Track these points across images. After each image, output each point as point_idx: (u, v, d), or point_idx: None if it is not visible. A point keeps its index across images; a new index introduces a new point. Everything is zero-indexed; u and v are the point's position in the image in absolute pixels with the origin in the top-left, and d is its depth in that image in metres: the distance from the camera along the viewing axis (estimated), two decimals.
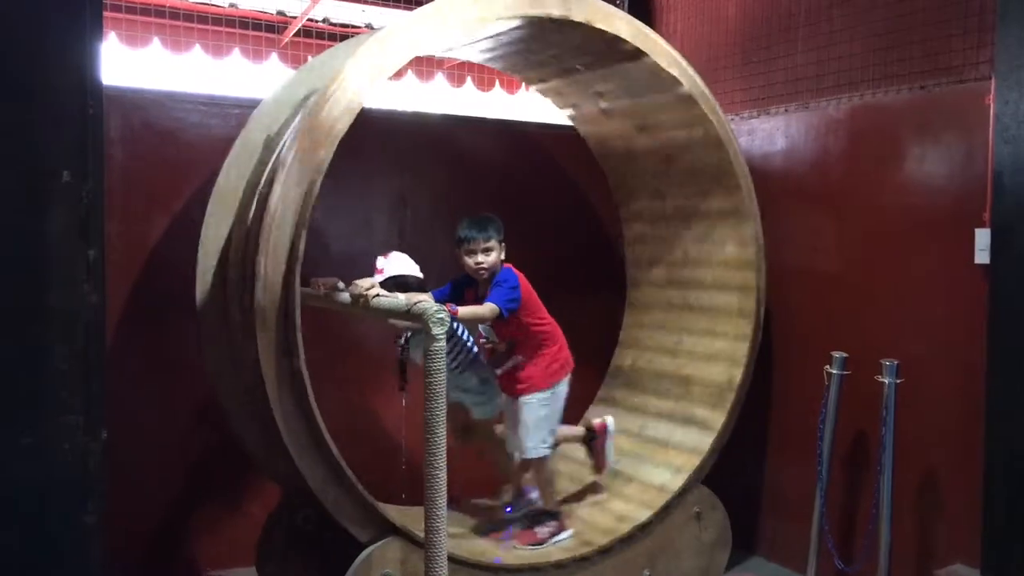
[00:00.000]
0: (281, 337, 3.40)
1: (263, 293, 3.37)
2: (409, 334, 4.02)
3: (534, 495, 4.46)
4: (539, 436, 4.15)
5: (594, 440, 4.51)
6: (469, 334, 4.20)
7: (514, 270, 4.08)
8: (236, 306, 3.72)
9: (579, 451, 4.63)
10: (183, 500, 4.49)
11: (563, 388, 4.23)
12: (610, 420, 4.55)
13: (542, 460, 4.23)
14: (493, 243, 4.01)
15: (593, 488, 4.67)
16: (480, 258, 4.00)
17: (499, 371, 4.19)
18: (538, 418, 4.14)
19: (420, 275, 4.06)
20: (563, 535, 4.27)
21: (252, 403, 3.71)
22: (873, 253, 4.44)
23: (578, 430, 4.54)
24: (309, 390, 3.42)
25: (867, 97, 4.51)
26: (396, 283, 3.94)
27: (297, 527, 4.12)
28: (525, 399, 4.13)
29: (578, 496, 4.65)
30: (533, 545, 4.19)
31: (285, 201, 3.41)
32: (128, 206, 4.25)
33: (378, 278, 3.94)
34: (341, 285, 3.66)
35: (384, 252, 4.08)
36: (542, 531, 4.25)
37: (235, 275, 3.77)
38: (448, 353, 4.01)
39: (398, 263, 4.04)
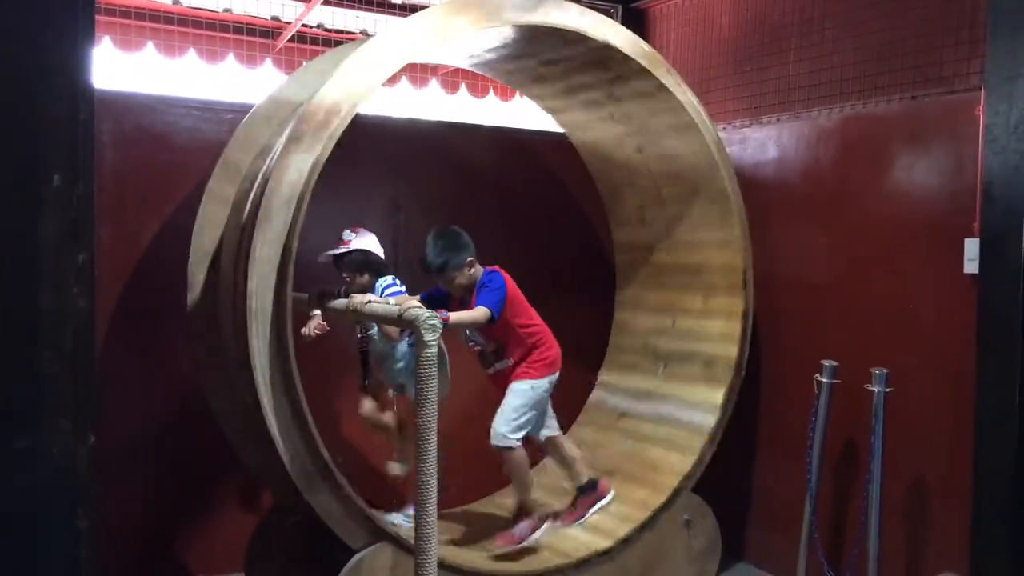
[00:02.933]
0: (273, 343, 3.39)
1: (254, 298, 3.36)
2: (374, 328, 4.06)
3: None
4: (509, 425, 4.04)
5: (589, 492, 4.34)
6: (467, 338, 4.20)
7: (499, 271, 4.06)
8: (227, 311, 3.72)
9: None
10: (173, 504, 4.47)
11: (545, 384, 4.15)
12: (612, 491, 4.40)
13: (511, 453, 4.08)
14: (451, 274, 3.97)
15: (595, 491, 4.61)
16: (445, 285, 4.03)
17: (490, 371, 4.18)
18: (516, 405, 4.07)
19: (383, 258, 4.09)
20: (540, 531, 4.19)
21: (243, 408, 3.70)
22: (863, 262, 4.45)
23: (581, 463, 4.37)
24: (301, 395, 3.42)
25: (858, 107, 4.52)
26: (357, 261, 4.00)
27: (287, 532, 4.11)
28: (510, 387, 4.11)
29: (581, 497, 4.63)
30: (512, 546, 4.15)
31: (277, 206, 3.40)
32: (120, 210, 4.24)
33: (341, 249, 4.00)
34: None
35: (353, 226, 4.08)
36: (519, 530, 4.18)
37: (226, 280, 3.76)
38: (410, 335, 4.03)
39: (364, 240, 4.06)
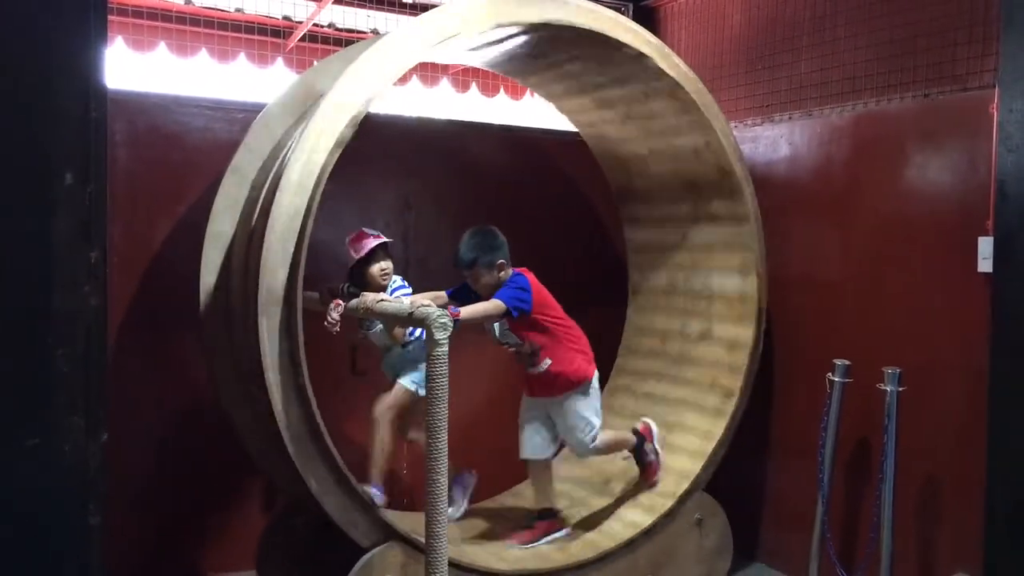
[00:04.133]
0: (283, 341, 3.40)
1: (266, 297, 3.37)
2: (376, 327, 4.08)
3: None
4: (589, 434, 4.19)
5: (644, 444, 4.49)
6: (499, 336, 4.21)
7: (525, 274, 4.08)
8: (239, 310, 3.73)
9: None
10: (184, 502, 4.49)
11: (594, 379, 4.25)
12: (652, 423, 4.59)
13: (546, 460, 4.27)
14: (479, 271, 4.00)
15: (595, 494, 4.66)
16: (472, 283, 4.06)
17: (531, 371, 4.18)
18: (582, 415, 4.19)
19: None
20: (559, 533, 4.29)
21: (254, 407, 3.71)
22: (876, 261, 4.43)
23: (628, 436, 4.48)
24: (311, 394, 3.42)
25: (871, 105, 4.50)
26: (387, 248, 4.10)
27: (298, 531, 4.12)
28: (566, 401, 4.18)
29: (580, 502, 4.64)
30: (527, 544, 4.21)
31: (289, 205, 3.41)
32: (132, 209, 4.25)
33: (384, 239, 4.07)
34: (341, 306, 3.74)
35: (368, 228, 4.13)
36: (540, 527, 4.28)
37: (238, 280, 3.77)
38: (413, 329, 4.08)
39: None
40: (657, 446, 4.54)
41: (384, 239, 4.10)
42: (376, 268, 4.05)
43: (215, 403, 4.10)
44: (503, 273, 4.04)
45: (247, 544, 4.30)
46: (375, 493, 3.81)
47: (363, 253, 4.03)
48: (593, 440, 4.21)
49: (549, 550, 4.20)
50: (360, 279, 4.05)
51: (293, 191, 3.41)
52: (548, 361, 4.12)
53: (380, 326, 4.12)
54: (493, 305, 3.87)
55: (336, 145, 3.47)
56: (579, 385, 4.17)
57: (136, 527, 4.25)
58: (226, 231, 4.03)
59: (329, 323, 3.71)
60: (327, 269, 4.26)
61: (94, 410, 1.64)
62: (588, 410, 4.21)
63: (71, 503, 1.66)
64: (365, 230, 4.10)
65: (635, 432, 4.49)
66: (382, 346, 4.20)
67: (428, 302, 3.42)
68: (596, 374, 4.26)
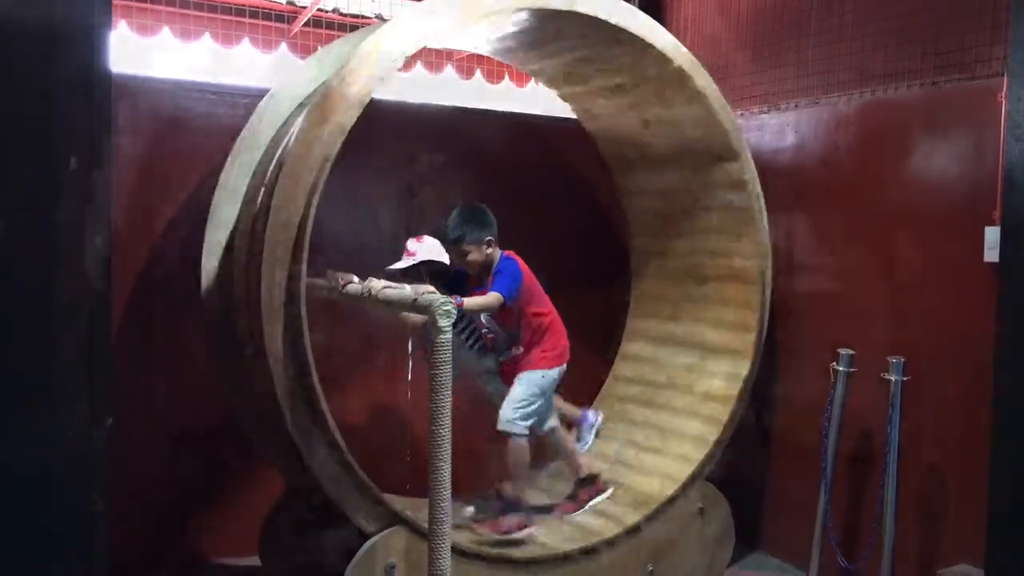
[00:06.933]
0: (287, 327, 3.40)
1: (269, 282, 3.37)
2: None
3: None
4: (518, 412, 4.07)
5: (588, 485, 4.48)
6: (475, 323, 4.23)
7: (515, 258, 4.10)
8: (241, 295, 3.73)
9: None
10: (187, 488, 4.50)
11: (554, 375, 4.21)
12: (611, 488, 4.52)
13: (515, 442, 4.09)
14: (468, 247, 4.04)
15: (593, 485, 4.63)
16: (458, 259, 4.08)
17: (501, 359, 4.23)
18: (524, 394, 4.11)
19: (448, 262, 4.12)
20: (522, 532, 4.14)
21: (257, 393, 3.71)
22: (881, 250, 4.42)
23: (581, 456, 4.53)
24: (315, 380, 3.42)
25: (878, 93, 4.49)
26: (428, 270, 4.02)
27: (301, 517, 4.13)
28: (520, 376, 4.15)
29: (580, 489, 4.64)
30: (495, 535, 4.10)
31: (292, 191, 3.41)
32: (134, 194, 4.25)
33: (407, 261, 4.00)
34: (355, 279, 3.69)
35: (417, 236, 4.10)
36: (507, 522, 4.14)
37: (240, 265, 3.77)
38: (467, 337, 4.08)
39: (431, 248, 4.08)
40: (589, 504, 4.44)
41: (429, 257, 4.02)
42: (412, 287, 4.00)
43: (217, 388, 4.10)
44: (491, 251, 4.07)
45: (250, 530, 4.31)
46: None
47: (398, 264, 3.97)
48: (522, 420, 4.08)
49: (546, 537, 4.18)
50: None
51: (296, 177, 3.41)
52: (520, 349, 4.18)
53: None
54: (494, 298, 3.90)
55: (339, 131, 3.46)
56: (534, 369, 4.15)
57: (138, 514, 4.26)
58: (228, 216, 4.03)
59: (338, 282, 3.70)
60: (329, 256, 4.26)
61: (98, 396, 1.64)
62: (535, 391, 4.12)
63: (74, 490, 1.66)
64: (422, 239, 4.06)
65: (590, 475, 4.47)
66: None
67: (431, 289, 3.42)
68: (558, 369, 4.21)
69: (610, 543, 4.15)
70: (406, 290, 3.56)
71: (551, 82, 4.85)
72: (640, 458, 4.67)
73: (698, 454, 4.45)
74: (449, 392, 3.11)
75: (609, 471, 4.67)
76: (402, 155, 4.93)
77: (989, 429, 3.62)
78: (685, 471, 4.41)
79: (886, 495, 4.04)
